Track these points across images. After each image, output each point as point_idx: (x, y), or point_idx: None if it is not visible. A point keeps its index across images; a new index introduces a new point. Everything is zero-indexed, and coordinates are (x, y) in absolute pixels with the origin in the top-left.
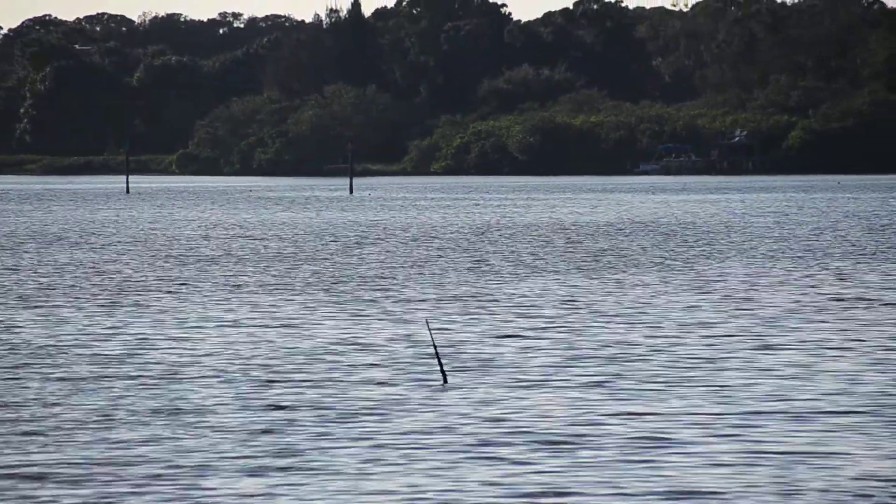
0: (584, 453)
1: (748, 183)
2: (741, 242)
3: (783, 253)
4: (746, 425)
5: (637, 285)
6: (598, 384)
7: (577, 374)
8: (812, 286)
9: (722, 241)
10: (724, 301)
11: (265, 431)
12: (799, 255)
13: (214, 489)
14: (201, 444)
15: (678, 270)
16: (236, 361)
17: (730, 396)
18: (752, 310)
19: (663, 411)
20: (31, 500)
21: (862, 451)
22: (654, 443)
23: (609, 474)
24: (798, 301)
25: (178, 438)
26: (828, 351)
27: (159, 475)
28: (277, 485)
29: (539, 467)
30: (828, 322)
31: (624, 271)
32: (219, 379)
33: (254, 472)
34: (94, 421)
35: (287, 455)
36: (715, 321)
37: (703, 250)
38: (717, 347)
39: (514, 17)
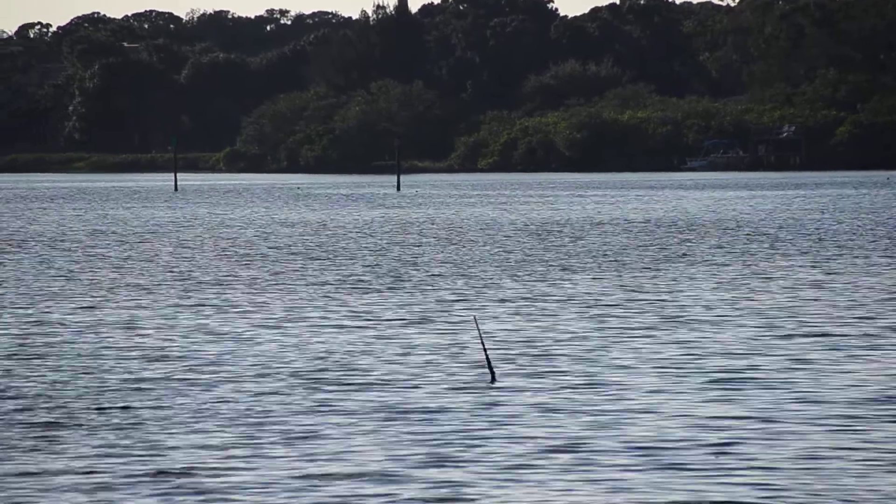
0: (636, 459)
1: (800, 179)
2: (804, 239)
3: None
4: (819, 430)
5: (697, 283)
6: (655, 385)
7: (631, 374)
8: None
9: (787, 238)
10: (800, 301)
11: (312, 433)
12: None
13: (264, 494)
14: (249, 447)
15: (738, 268)
16: (280, 360)
17: (802, 400)
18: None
19: (723, 416)
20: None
21: None
22: (708, 449)
23: (659, 481)
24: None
25: (225, 444)
26: None
27: (213, 483)
28: (325, 487)
29: (592, 469)
30: None
31: (685, 269)
32: (264, 379)
33: (301, 473)
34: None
35: (332, 458)
36: (786, 321)
37: (769, 247)
38: (789, 348)
39: (561, 12)
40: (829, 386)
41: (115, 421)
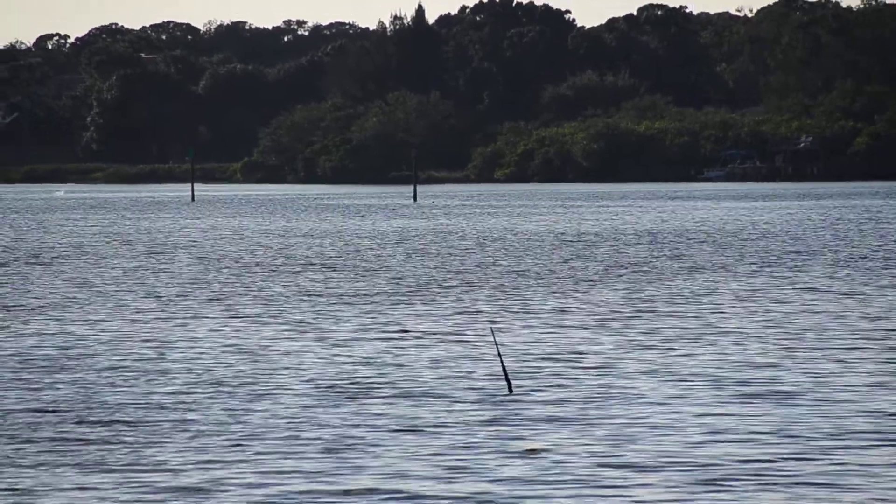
0: (654, 472)
1: (821, 189)
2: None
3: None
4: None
5: (719, 295)
6: (673, 397)
7: (649, 386)
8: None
9: (805, 248)
10: (822, 313)
11: (329, 444)
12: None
13: None
14: (267, 462)
15: (758, 278)
16: (298, 372)
17: (825, 414)
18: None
19: (744, 429)
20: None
21: None
22: (729, 462)
23: (676, 494)
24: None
25: (241, 458)
26: None
27: (233, 495)
28: (342, 499)
29: (609, 481)
30: None
31: (699, 279)
32: (281, 393)
33: (318, 486)
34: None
35: (347, 469)
36: (809, 333)
37: (783, 258)
38: (810, 361)
39: (578, 23)
40: (856, 400)
41: (138, 435)
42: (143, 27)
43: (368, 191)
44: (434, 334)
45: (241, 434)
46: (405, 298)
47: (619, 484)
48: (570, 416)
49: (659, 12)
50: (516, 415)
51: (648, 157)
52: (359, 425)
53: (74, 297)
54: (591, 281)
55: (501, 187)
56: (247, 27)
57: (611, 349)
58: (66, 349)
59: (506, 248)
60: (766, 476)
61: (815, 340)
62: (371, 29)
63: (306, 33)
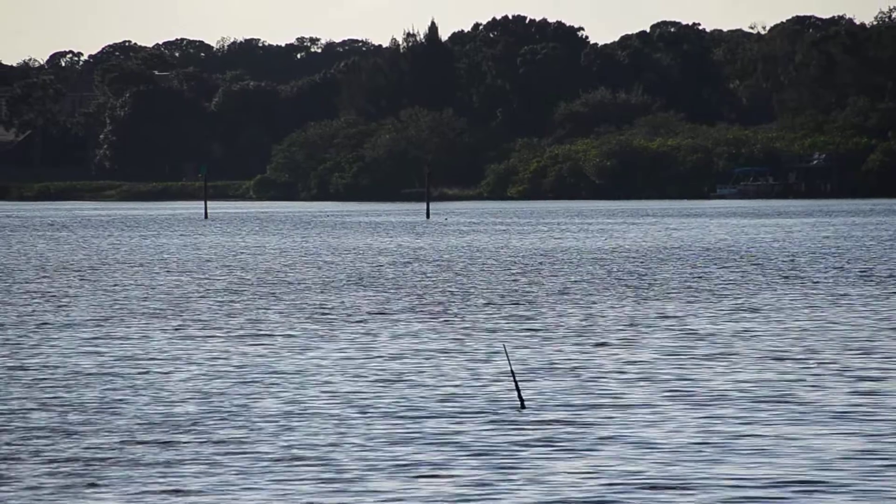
0: (665, 490)
1: (832, 206)
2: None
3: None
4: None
5: (735, 313)
6: (685, 414)
7: (662, 403)
8: None
9: (814, 267)
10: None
11: (338, 464)
12: None
13: None
14: (276, 478)
15: (776, 296)
16: (309, 390)
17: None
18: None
19: (752, 448)
20: None
21: None
22: (745, 484)
23: None
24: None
25: (252, 476)
26: None
27: None
28: None
29: (622, 498)
30: None
31: (722, 298)
32: (292, 410)
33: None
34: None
35: (360, 489)
36: (817, 350)
37: (802, 276)
38: (815, 374)
39: (591, 40)
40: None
41: (151, 458)
42: (156, 44)
43: (381, 208)
44: (446, 350)
45: (248, 453)
46: (418, 315)
47: (629, 499)
48: (583, 432)
49: (672, 29)
50: (528, 431)
51: (661, 174)
52: (369, 441)
53: (89, 315)
54: (605, 296)
55: (515, 205)
56: (260, 44)
57: (625, 364)
58: (76, 366)
59: (519, 264)
60: (791, 499)
61: (836, 353)
62: (384, 46)
63: (319, 50)
